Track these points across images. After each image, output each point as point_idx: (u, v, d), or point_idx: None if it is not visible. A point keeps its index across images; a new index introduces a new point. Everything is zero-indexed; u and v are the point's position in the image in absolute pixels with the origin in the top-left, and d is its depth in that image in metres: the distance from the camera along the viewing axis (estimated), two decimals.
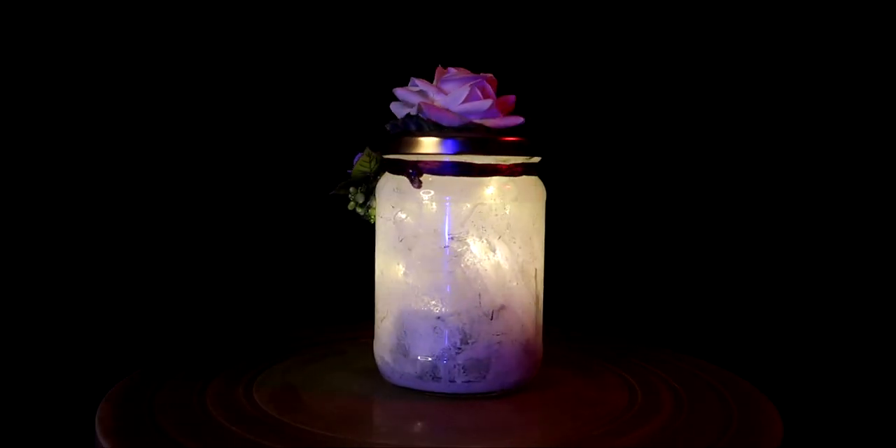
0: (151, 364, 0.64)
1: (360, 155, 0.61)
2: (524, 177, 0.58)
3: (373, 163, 0.60)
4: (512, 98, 0.58)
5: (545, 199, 0.60)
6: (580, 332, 0.80)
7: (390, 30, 0.90)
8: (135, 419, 0.52)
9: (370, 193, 0.60)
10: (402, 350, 0.57)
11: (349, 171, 0.61)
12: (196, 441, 0.48)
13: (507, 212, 0.56)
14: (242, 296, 0.91)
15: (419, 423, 0.53)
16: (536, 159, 0.59)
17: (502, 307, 0.56)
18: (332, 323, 0.80)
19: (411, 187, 0.56)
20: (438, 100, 0.56)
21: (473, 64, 0.59)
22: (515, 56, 0.89)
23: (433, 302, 0.56)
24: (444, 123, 0.56)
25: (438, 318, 0.56)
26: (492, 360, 0.56)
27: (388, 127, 0.59)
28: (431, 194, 0.56)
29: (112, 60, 0.86)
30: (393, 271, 0.58)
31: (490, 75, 0.58)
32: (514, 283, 0.57)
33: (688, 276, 0.92)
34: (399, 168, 0.57)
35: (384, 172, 0.59)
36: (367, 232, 0.62)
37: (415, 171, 0.56)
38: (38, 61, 0.83)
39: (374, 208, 0.60)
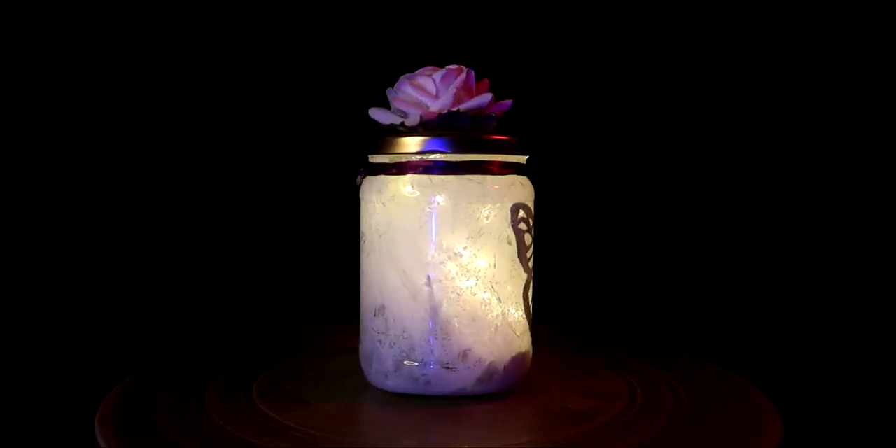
0: (152, 364, 0.64)
1: None
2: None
3: None
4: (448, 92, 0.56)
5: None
6: (580, 332, 0.80)
7: (384, 29, 0.90)
8: (135, 419, 0.52)
9: None
10: None
11: None
12: (196, 442, 0.48)
13: (380, 213, 0.56)
14: (243, 296, 0.92)
15: (418, 423, 0.53)
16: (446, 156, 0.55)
17: (383, 307, 0.57)
18: (333, 322, 0.80)
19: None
20: None
21: (464, 63, 0.59)
22: (505, 55, 0.89)
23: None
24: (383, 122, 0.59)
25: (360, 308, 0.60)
26: (373, 357, 0.57)
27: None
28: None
29: (107, 62, 0.86)
30: None
31: (416, 71, 0.58)
32: (397, 287, 0.56)
33: (687, 275, 0.92)
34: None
35: None
36: None
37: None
38: (38, 62, 0.83)
39: None
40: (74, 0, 0.83)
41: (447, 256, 0.55)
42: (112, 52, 0.86)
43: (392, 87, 0.58)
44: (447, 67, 0.57)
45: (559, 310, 0.92)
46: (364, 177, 0.59)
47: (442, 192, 0.55)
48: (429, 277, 0.55)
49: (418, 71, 0.58)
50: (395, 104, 0.58)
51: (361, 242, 0.59)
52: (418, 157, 0.55)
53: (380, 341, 0.57)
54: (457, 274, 0.55)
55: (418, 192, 0.55)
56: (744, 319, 0.90)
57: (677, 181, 0.92)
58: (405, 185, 0.55)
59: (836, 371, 0.85)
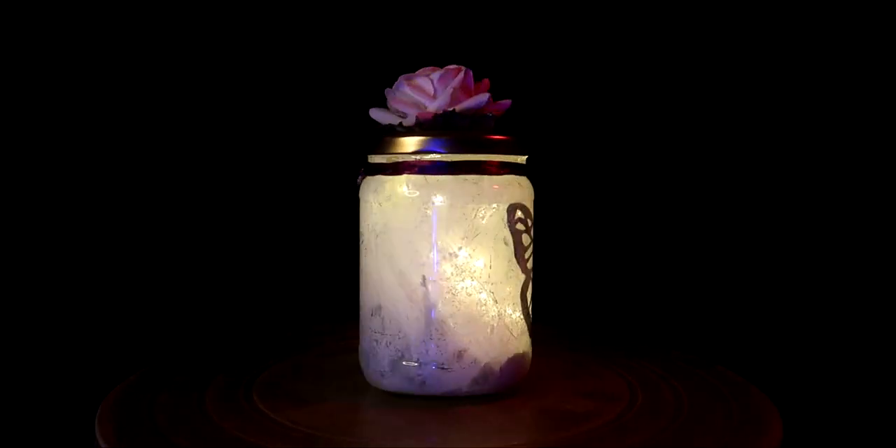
0: (152, 365, 0.64)
1: None
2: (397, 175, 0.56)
3: None
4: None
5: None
6: (580, 331, 0.80)
7: (381, 29, 0.90)
8: (135, 419, 0.52)
9: None
10: None
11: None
12: (196, 442, 0.48)
13: (377, 213, 0.57)
14: (242, 296, 0.92)
15: (418, 424, 0.53)
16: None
17: (379, 306, 0.57)
18: (333, 321, 0.80)
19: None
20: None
21: (464, 63, 0.59)
22: (504, 55, 0.89)
23: None
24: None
25: None
26: (370, 357, 0.58)
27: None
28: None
29: (108, 63, 0.86)
30: None
31: (415, 71, 0.58)
32: (393, 287, 0.56)
33: (687, 275, 0.92)
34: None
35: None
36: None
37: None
38: (33, 61, 0.83)
39: None
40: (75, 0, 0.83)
41: (443, 256, 0.55)
42: (112, 53, 0.86)
43: (391, 87, 0.58)
44: (445, 67, 0.57)
45: (558, 310, 0.92)
46: (364, 177, 0.59)
47: (438, 193, 0.55)
48: (424, 277, 0.55)
49: (418, 71, 0.58)
50: (392, 104, 0.58)
51: (360, 242, 0.59)
52: (415, 157, 0.55)
53: (376, 341, 0.57)
54: (452, 274, 0.55)
55: (416, 193, 0.55)
56: (743, 319, 0.90)
57: (677, 181, 0.92)
58: (402, 186, 0.55)
59: (836, 371, 0.85)
